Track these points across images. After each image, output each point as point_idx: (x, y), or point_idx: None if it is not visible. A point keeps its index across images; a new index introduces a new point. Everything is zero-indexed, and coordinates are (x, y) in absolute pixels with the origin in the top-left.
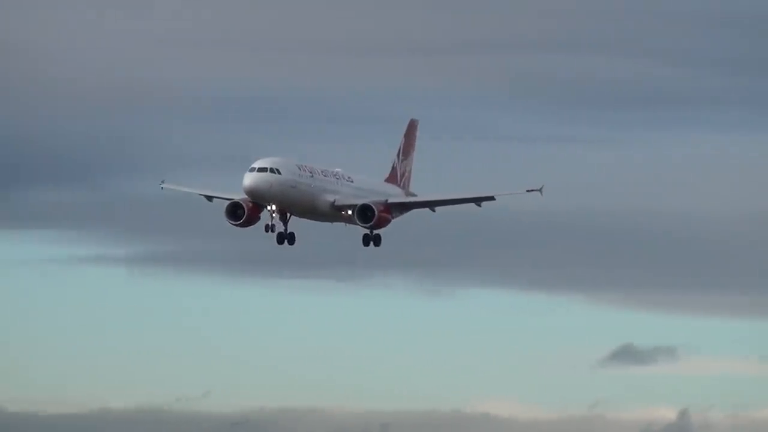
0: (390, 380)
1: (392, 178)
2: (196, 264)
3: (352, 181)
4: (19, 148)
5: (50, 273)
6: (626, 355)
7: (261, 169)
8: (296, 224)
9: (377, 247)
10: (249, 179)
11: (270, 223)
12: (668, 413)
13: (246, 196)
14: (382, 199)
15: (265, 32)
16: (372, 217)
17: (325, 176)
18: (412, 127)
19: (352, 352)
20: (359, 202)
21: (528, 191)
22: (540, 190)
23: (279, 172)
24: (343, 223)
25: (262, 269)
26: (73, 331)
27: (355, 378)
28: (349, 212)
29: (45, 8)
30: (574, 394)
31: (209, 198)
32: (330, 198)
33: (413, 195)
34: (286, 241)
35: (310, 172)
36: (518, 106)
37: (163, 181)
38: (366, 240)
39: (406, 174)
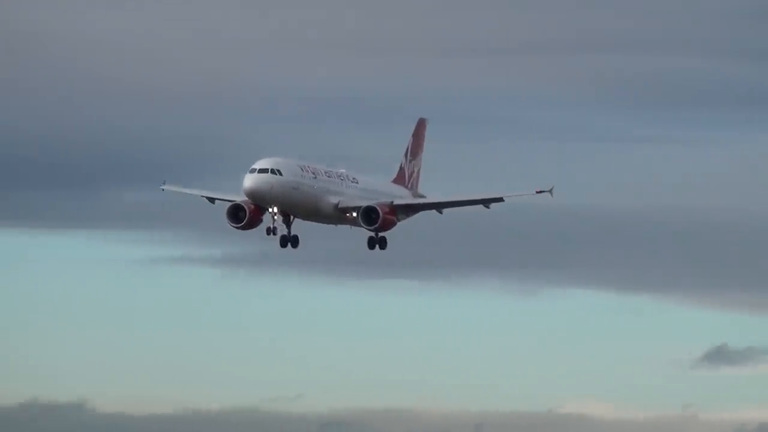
0: (482, 381)
1: (399, 179)
2: (286, 265)
3: (357, 182)
4: (111, 148)
5: (141, 273)
6: (720, 355)
7: (262, 170)
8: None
9: (383, 250)
10: (249, 181)
11: (271, 226)
12: (762, 414)
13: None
14: (388, 200)
15: (352, 33)
16: (376, 219)
17: (328, 177)
18: (420, 126)
19: (444, 352)
20: (364, 203)
21: (538, 192)
22: (550, 192)
23: (280, 173)
24: (348, 226)
25: (352, 270)
26: (166, 333)
27: (447, 378)
28: (354, 214)
29: (134, 8)
30: (667, 394)
31: (211, 200)
32: (334, 200)
33: (422, 196)
34: (289, 244)
35: (313, 173)
36: (606, 107)
37: (164, 182)
38: (371, 243)
39: (415, 174)
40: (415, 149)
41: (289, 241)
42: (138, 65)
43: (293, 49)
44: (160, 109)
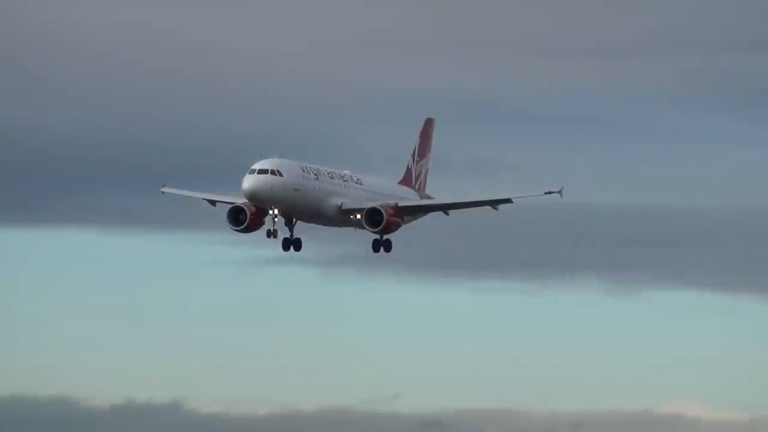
0: (578, 381)
1: (407, 180)
2: (382, 265)
3: (361, 184)
4: (221, 148)
5: (240, 274)
6: None
7: (261, 171)
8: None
9: (388, 253)
10: (248, 182)
11: (272, 228)
12: None
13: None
14: (393, 201)
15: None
16: (380, 221)
17: (331, 178)
18: (428, 126)
19: (539, 352)
20: (368, 205)
21: (546, 193)
22: (560, 192)
23: (281, 174)
24: (352, 228)
25: (446, 270)
26: (262, 333)
27: (544, 379)
28: (358, 216)
29: (238, 8)
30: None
31: (212, 202)
32: (337, 201)
33: (429, 198)
34: (291, 247)
35: (315, 174)
36: (698, 107)
37: (164, 185)
38: (376, 246)
39: (422, 176)
40: (422, 150)
41: (292, 244)
42: (236, 66)
43: (387, 49)
44: (268, 111)
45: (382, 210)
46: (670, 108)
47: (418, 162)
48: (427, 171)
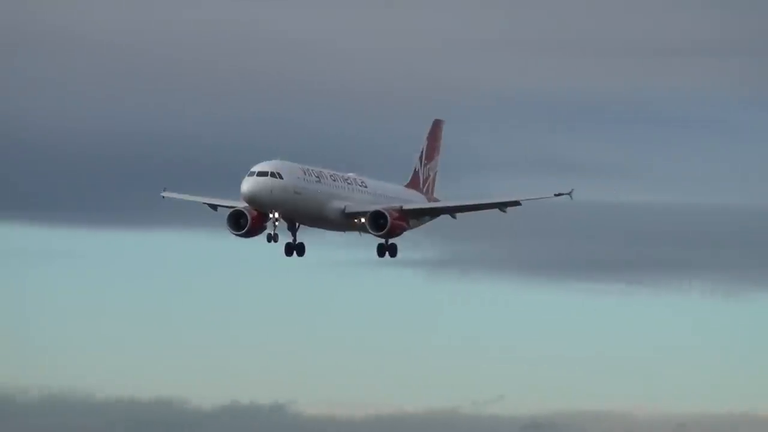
0: (682, 382)
1: (414, 183)
2: (484, 266)
3: (366, 186)
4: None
5: (344, 275)
6: None
7: (261, 174)
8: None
9: (393, 258)
10: (247, 184)
11: (272, 233)
12: None
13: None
14: (398, 204)
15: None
16: (384, 225)
17: (334, 181)
18: (436, 127)
19: (641, 354)
20: (372, 208)
21: (557, 195)
22: (570, 194)
23: (281, 177)
24: (357, 233)
25: (549, 272)
26: (367, 335)
27: (646, 380)
28: (362, 220)
29: (352, 8)
30: None
31: (213, 207)
32: (340, 205)
33: (437, 202)
34: (294, 252)
35: (317, 177)
36: None
37: (164, 189)
38: (381, 250)
39: (430, 179)
40: (430, 152)
41: (295, 249)
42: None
43: (501, 50)
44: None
45: (386, 213)
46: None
47: (425, 165)
48: (435, 174)
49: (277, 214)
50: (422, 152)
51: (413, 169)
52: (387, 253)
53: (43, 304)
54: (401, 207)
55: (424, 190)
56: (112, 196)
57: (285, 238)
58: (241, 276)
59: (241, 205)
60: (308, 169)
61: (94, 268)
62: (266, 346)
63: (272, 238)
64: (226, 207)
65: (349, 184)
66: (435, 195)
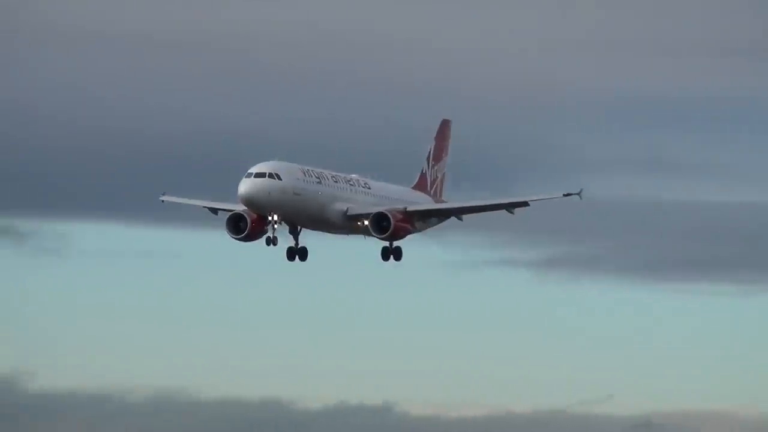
0: None
1: (421, 185)
2: (592, 267)
3: (369, 188)
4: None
5: (455, 275)
6: None
7: (258, 175)
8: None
9: (398, 262)
10: (244, 186)
11: (272, 236)
12: None
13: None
14: (402, 206)
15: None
16: (387, 227)
17: (335, 182)
18: (444, 128)
19: (751, 353)
20: (375, 210)
21: (565, 195)
22: (579, 194)
23: (279, 178)
24: (361, 236)
25: (649, 272)
26: (475, 335)
27: (755, 380)
28: (365, 222)
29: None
30: None
31: (213, 211)
32: (342, 207)
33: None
34: (297, 256)
35: (318, 178)
36: None
37: (164, 194)
38: (385, 254)
39: (438, 180)
40: (438, 153)
41: (297, 253)
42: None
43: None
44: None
45: (389, 215)
46: None
47: (433, 166)
48: (444, 175)
49: (276, 217)
50: (429, 153)
51: (420, 171)
52: (392, 256)
53: (141, 305)
54: (405, 208)
55: (432, 192)
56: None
57: (283, 241)
58: (337, 276)
59: (240, 208)
60: (308, 170)
61: (189, 269)
62: (367, 346)
63: (271, 241)
64: (226, 210)
65: (351, 185)
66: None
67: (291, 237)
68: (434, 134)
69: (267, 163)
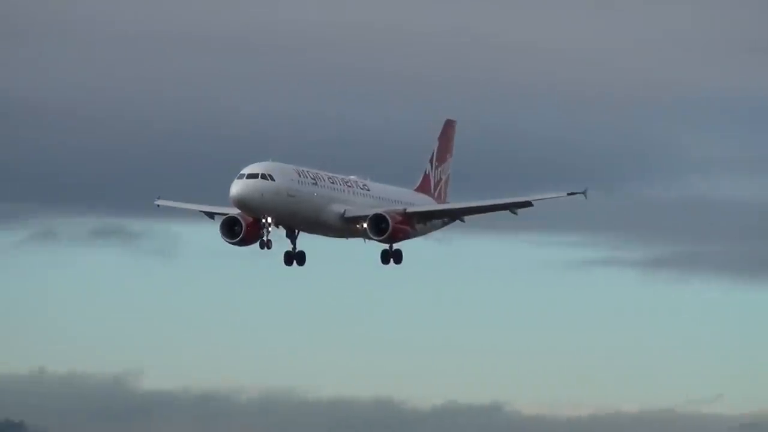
0: None
1: (424, 187)
2: (698, 266)
3: (368, 189)
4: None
5: (563, 276)
6: None
7: (251, 176)
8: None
9: (398, 265)
10: (236, 187)
11: (266, 239)
12: None
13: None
14: (401, 207)
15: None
16: (386, 229)
17: (332, 183)
18: (448, 128)
19: None
20: (373, 212)
21: (569, 194)
22: (584, 193)
23: (272, 179)
24: (361, 239)
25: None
26: (585, 335)
27: None
28: (364, 225)
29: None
30: None
31: (210, 215)
32: (339, 209)
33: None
34: (294, 261)
35: (313, 179)
36: None
37: (158, 197)
38: (385, 257)
39: (443, 182)
40: (442, 154)
41: (295, 258)
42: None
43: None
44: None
45: (388, 216)
46: None
47: (437, 167)
48: (448, 177)
49: (270, 220)
50: (433, 154)
51: (423, 173)
52: (392, 259)
53: (247, 306)
54: (404, 210)
55: (436, 194)
56: None
57: (279, 245)
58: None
59: (235, 211)
60: (303, 171)
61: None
62: (478, 346)
63: (265, 244)
64: (222, 214)
65: (349, 186)
66: None
67: (288, 241)
68: (438, 134)
69: (260, 163)
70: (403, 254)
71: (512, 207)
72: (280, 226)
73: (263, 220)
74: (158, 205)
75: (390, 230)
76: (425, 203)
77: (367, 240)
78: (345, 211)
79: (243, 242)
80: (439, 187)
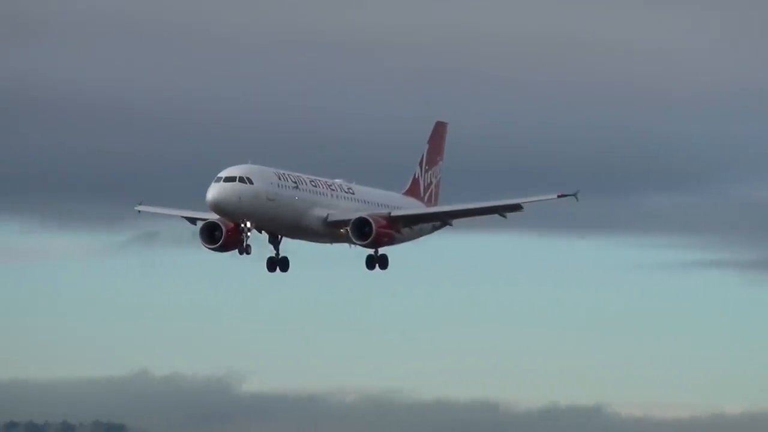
0: None
1: (413, 191)
2: None
3: (353, 193)
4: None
5: (655, 279)
6: None
7: (228, 179)
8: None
9: (384, 270)
10: (213, 191)
11: (245, 244)
12: None
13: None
14: (386, 211)
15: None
16: (369, 234)
17: (314, 186)
18: (439, 130)
19: None
20: (356, 216)
21: (560, 196)
22: (575, 195)
23: (251, 182)
24: (346, 244)
25: None
26: (684, 337)
27: None
28: (348, 229)
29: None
30: None
31: (191, 220)
32: (322, 213)
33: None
34: (278, 267)
35: (294, 182)
36: None
37: (140, 203)
38: (370, 262)
39: (433, 186)
40: (432, 157)
41: (278, 264)
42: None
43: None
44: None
45: (371, 220)
46: None
47: (427, 171)
48: (439, 180)
49: (249, 224)
50: (423, 157)
51: (412, 176)
52: (377, 265)
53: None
54: (389, 214)
55: (425, 198)
56: None
57: (262, 251)
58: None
59: (215, 216)
60: (284, 174)
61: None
62: (583, 348)
63: (245, 250)
64: (203, 220)
65: (332, 190)
66: None
67: (272, 246)
68: (428, 137)
69: (239, 166)
70: (389, 259)
71: (501, 210)
72: (263, 231)
73: (242, 225)
74: (139, 211)
75: (374, 234)
76: (413, 207)
77: (352, 245)
78: (328, 215)
79: (223, 248)
80: (429, 191)
